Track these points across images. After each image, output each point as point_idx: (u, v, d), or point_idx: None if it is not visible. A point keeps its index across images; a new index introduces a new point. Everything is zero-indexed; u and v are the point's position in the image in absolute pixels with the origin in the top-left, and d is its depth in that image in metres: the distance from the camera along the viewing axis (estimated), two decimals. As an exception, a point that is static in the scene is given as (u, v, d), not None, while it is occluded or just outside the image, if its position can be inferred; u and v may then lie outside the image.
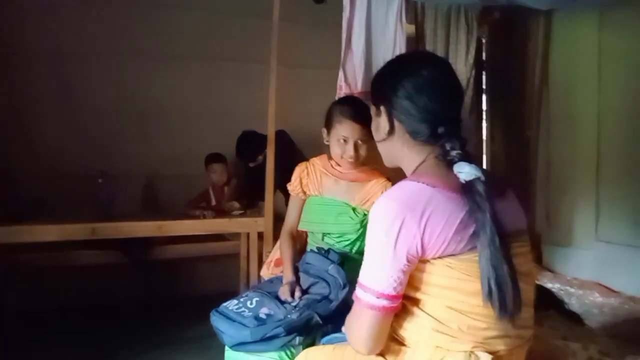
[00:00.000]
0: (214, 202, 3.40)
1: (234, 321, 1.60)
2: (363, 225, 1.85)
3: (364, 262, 1.04)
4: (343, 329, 1.33)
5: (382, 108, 1.17)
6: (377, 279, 0.99)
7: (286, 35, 2.61)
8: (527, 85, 3.15)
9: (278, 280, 1.83)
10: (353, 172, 1.89)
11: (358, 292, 1.03)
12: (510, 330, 1.01)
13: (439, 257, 1.00)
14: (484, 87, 3.34)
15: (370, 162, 1.92)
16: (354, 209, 1.86)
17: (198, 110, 3.70)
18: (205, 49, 3.73)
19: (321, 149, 1.98)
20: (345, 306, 1.71)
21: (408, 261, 0.99)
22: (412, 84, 1.11)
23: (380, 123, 1.18)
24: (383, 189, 1.86)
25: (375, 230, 1.02)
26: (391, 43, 2.35)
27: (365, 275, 1.02)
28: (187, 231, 2.84)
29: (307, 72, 3.66)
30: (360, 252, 1.87)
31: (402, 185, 1.05)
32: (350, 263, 1.81)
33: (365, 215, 1.86)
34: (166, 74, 3.64)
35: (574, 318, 1.93)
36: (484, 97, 3.35)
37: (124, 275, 3.32)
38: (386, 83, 1.16)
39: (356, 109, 1.81)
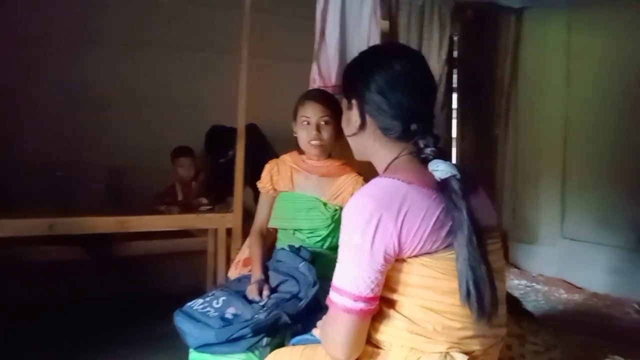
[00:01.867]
0: (180, 197, 3.30)
1: (199, 321, 1.54)
2: (334, 220, 1.83)
3: (337, 264, 0.99)
4: (314, 331, 1.30)
5: (353, 102, 1.12)
6: (353, 281, 0.95)
7: (257, 26, 2.54)
8: (497, 83, 3.18)
9: (246, 279, 1.78)
10: (324, 166, 1.88)
11: (333, 296, 0.98)
12: (486, 330, 1.00)
13: (415, 256, 0.97)
14: (454, 84, 3.35)
15: (340, 157, 1.91)
16: (325, 204, 1.84)
17: (165, 101, 3.58)
18: (173, 37, 3.62)
19: (292, 144, 1.95)
20: (316, 304, 1.68)
21: (385, 261, 0.95)
22: (385, 78, 1.07)
23: (351, 117, 1.14)
24: (354, 184, 1.86)
25: (350, 230, 0.98)
26: (365, 37, 2.32)
27: (340, 277, 0.98)
28: (151, 227, 2.74)
29: (279, 64, 3.59)
30: (332, 248, 1.87)
31: (376, 182, 1.02)
32: (321, 260, 1.78)
33: (336, 210, 1.84)
34: (132, 62, 3.50)
35: (527, 316, 1.92)
36: (454, 95, 3.36)
37: (85, 272, 3.19)
38: (358, 76, 1.12)
39: (318, 92, 1.86)
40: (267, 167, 1.94)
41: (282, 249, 1.79)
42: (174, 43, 3.62)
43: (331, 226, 1.82)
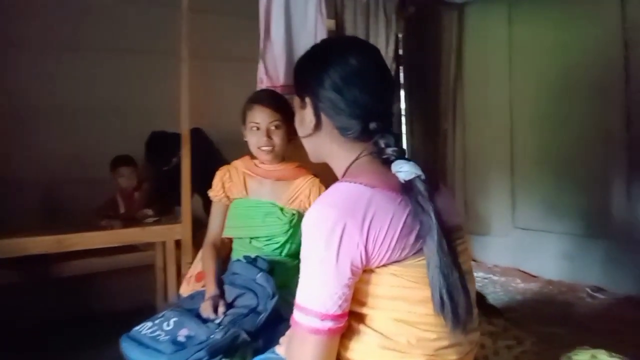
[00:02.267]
0: (123, 210, 3.10)
1: (148, 347, 1.41)
2: (292, 225, 1.75)
3: (300, 281, 0.90)
4: (277, 349, 1.21)
5: (307, 100, 1.04)
6: (319, 298, 0.87)
7: (197, 26, 2.41)
8: (443, 79, 3.20)
9: (200, 295, 1.66)
10: (278, 169, 1.80)
11: (297, 317, 0.89)
12: (462, 337, 0.94)
13: (383, 265, 0.90)
14: (401, 82, 3.35)
15: (294, 159, 1.84)
16: (281, 209, 1.76)
17: (101, 108, 3.35)
18: (107, 39, 3.40)
19: (241, 148, 1.86)
20: (276, 317, 1.59)
21: (352, 274, 0.87)
22: (340, 73, 0.99)
23: (305, 117, 1.05)
24: (311, 186, 1.79)
25: (312, 242, 0.89)
26: (312, 34, 2.25)
27: (305, 296, 0.89)
28: (92, 244, 2.54)
29: (222, 65, 3.45)
30: (290, 255, 1.79)
31: (336, 188, 0.94)
32: (280, 268, 1.71)
33: (293, 215, 1.76)
34: (61, 67, 3.26)
35: (495, 312, 1.94)
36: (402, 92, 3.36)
37: (21, 296, 2.93)
38: (310, 72, 1.04)
39: (266, 94, 1.77)
40: (218, 174, 1.83)
41: (238, 260, 1.69)
42: (108, 45, 3.40)
43: (289, 232, 1.74)
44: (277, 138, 1.73)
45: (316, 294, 0.87)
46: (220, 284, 1.66)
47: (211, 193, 1.84)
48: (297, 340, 0.90)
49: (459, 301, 0.89)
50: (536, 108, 2.71)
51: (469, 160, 3.08)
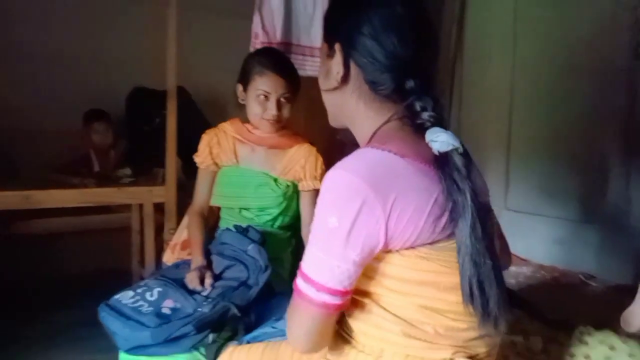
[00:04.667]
0: (97, 168, 2.91)
1: (129, 319, 1.30)
2: (286, 197, 1.63)
3: (307, 246, 0.82)
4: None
5: (336, 47, 0.90)
6: (320, 269, 0.79)
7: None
8: (442, 51, 3.07)
9: (186, 265, 1.54)
10: (272, 136, 1.65)
11: (298, 281, 0.82)
12: (493, 329, 0.85)
13: (411, 247, 0.80)
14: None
15: (290, 125, 1.70)
16: (275, 180, 1.63)
17: (74, 55, 3.08)
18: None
19: (224, 111, 1.71)
20: (268, 291, 1.49)
21: (363, 251, 0.78)
22: (381, 19, 0.86)
23: (332, 67, 0.92)
24: (307, 155, 1.66)
25: (325, 209, 0.79)
26: (313, -12, 2.07)
27: (307, 262, 0.81)
28: (64, 203, 2.34)
29: (210, 19, 3.20)
30: (283, 227, 1.68)
31: (362, 153, 0.82)
32: (272, 240, 1.60)
33: (288, 186, 1.64)
34: (33, 9, 2.98)
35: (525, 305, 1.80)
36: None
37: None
38: (347, 14, 0.90)
39: (280, 60, 1.60)
40: (205, 139, 1.67)
41: (227, 229, 1.57)
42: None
43: (283, 204, 1.62)
44: (286, 111, 1.59)
45: (318, 264, 0.79)
46: (207, 254, 1.54)
47: (197, 159, 1.68)
48: (294, 304, 0.84)
49: (490, 293, 0.79)
50: (537, 86, 2.61)
51: (463, 136, 2.92)
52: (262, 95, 1.55)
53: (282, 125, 1.64)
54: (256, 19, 1.97)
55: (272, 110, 1.56)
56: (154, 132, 2.84)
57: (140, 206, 2.52)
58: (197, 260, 1.50)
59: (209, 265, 1.49)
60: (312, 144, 1.70)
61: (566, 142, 2.50)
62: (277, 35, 2.00)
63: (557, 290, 2.03)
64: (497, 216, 2.75)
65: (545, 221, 2.51)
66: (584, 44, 2.41)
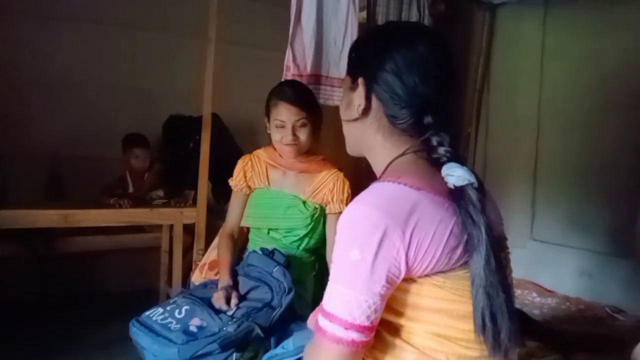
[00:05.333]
0: (131, 189, 3.03)
1: (159, 335, 1.35)
2: (314, 219, 1.70)
3: (329, 284, 0.82)
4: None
5: (360, 81, 0.95)
6: (346, 305, 0.79)
7: (225, 9, 2.31)
8: (469, 81, 3.12)
9: (213, 285, 1.60)
10: (302, 162, 1.73)
11: (322, 322, 0.81)
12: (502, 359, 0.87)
13: (426, 275, 0.83)
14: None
15: (319, 151, 1.78)
16: (304, 202, 1.70)
17: (115, 85, 3.28)
18: (128, 16, 3.32)
19: (255, 138, 1.79)
20: (290, 313, 1.53)
21: (387, 282, 0.79)
22: (404, 57, 0.90)
23: (353, 99, 0.96)
24: (335, 180, 1.73)
25: (346, 244, 0.80)
26: (343, 24, 2.15)
27: (331, 300, 0.81)
28: (100, 222, 2.48)
29: (246, 51, 3.35)
30: (308, 250, 1.73)
31: (378, 187, 0.85)
32: (296, 262, 1.66)
33: (315, 209, 1.71)
34: (83, 40, 3.19)
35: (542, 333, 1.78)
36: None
37: (24, 269, 2.88)
38: (372, 51, 0.95)
39: (293, 90, 1.68)
40: (240, 163, 1.77)
41: (254, 251, 1.63)
42: (129, 21, 3.33)
43: (310, 225, 1.69)
44: (303, 135, 1.66)
45: (344, 300, 0.79)
46: (234, 274, 1.60)
47: (232, 182, 1.78)
48: (316, 346, 0.82)
49: (502, 325, 0.81)
50: (565, 118, 2.62)
51: (489, 167, 2.99)
52: (280, 124, 1.65)
53: (304, 149, 1.71)
54: (288, 53, 2.06)
55: (288, 135, 1.64)
56: (187, 156, 2.96)
57: (171, 227, 2.62)
58: (224, 280, 1.56)
59: (235, 285, 1.55)
60: (340, 169, 1.77)
61: (594, 174, 2.48)
62: (308, 68, 2.09)
63: (583, 322, 1.99)
64: (522, 246, 2.74)
65: (572, 252, 2.48)
66: (613, 78, 2.42)
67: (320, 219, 1.72)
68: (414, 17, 2.57)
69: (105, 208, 2.50)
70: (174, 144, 3.17)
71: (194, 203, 2.37)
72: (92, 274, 3.11)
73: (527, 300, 2.25)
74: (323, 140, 1.77)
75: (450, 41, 2.99)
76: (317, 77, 2.11)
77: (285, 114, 1.63)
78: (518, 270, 2.60)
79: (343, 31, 2.18)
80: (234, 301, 1.49)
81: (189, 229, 2.51)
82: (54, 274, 2.96)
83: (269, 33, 3.07)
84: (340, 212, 1.67)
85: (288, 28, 2.08)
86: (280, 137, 1.66)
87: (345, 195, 1.71)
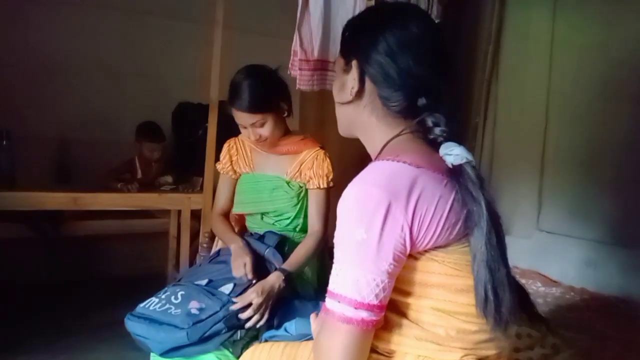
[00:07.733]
0: (140, 174, 3.06)
1: (162, 323, 1.36)
2: (300, 199, 1.71)
3: (334, 266, 0.83)
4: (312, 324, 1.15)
5: (353, 63, 0.94)
6: (354, 284, 0.79)
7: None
8: (477, 70, 3.09)
9: (207, 261, 1.65)
10: (283, 144, 1.72)
11: (329, 304, 0.81)
12: (502, 333, 0.88)
13: (425, 251, 0.84)
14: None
15: (304, 129, 1.80)
16: (287, 183, 1.71)
17: (124, 70, 3.33)
18: (137, 1, 3.34)
19: None
20: (291, 292, 1.55)
21: (395, 260, 0.80)
22: (397, 38, 0.89)
23: (346, 81, 0.95)
24: (314, 159, 1.71)
25: (350, 225, 0.80)
26: (351, 9, 2.15)
27: (338, 281, 0.81)
28: (109, 206, 2.51)
29: (251, 38, 3.35)
30: (303, 230, 1.73)
31: (377, 165, 0.85)
32: (293, 244, 1.69)
33: (300, 187, 1.71)
34: (93, 25, 3.22)
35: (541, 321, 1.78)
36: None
37: (32, 252, 2.93)
38: (364, 32, 0.94)
39: (243, 95, 1.60)
40: (225, 147, 1.80)
41: (249, 234, 1.69)
42: (135, 7, 3.35)
43: (297, 206, 1.70)
44: (266, 131, 1.64)
45: (351, 280, 0.79)
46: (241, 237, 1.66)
47: (218, 165, 1.80)
48: (327, 329, 0.82)
49: (504, 299, 0.82)
50: (574, 107, 2.59)
51: (496, 156, 2.97)
52: (240, 124, 1.66)
53: (275, 139, 1.68)
54: (296, 38, 2.06)
55: (251, 135, 1.65)
56: (196, 143, 2.98)
57: (179, 212, 2.64)
58: (236, 241, 1.61)
59: (248, 246, 1.60)
60: (322, 147, 1.75)
61: (601, 164, 2.47)
62: (315, 53, 2.09)
63: (587, 311, 1.99)
64: (528, 236, 2.71)
65: (577, 243, 2.47)
66: (621, 68, 2.40)
67: (306, 198, 1.72)
68: (422, 4, 2.55)
69: (114, 192, 2.52)
70: (182, 131, 3.19)
71: (202, 189, 2.38)
72: (100, 258, 3.16)
73: (532, 289, 2.24)
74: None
75: (459, 29, 2.98)
76: (323, 63, 2.11)
77: (241, 119, 1.63)
78: (523, 259, 2.61)
79: (351, 16, 2.17)
80: (248, 267, 1.50)
81: (196, 215, 2.53)
82: (62, 257, 3.01)
83: (276, 19, 3.06)
84: (319, 188, 1.69)
85: (296, 14, 2.07)
86: (246, 135, 1.68)
87: (326, 171, 1.70)
